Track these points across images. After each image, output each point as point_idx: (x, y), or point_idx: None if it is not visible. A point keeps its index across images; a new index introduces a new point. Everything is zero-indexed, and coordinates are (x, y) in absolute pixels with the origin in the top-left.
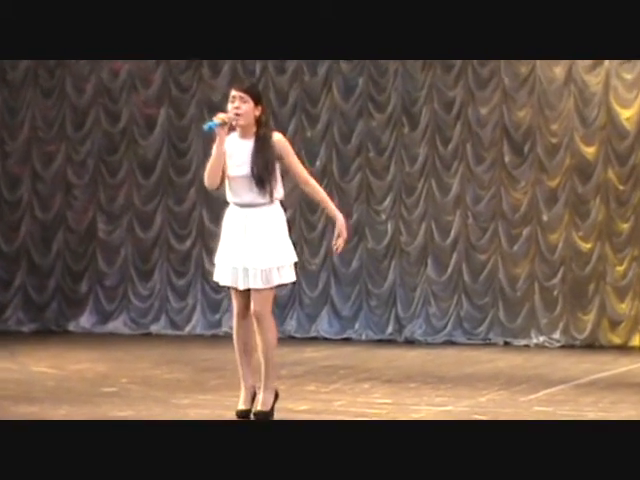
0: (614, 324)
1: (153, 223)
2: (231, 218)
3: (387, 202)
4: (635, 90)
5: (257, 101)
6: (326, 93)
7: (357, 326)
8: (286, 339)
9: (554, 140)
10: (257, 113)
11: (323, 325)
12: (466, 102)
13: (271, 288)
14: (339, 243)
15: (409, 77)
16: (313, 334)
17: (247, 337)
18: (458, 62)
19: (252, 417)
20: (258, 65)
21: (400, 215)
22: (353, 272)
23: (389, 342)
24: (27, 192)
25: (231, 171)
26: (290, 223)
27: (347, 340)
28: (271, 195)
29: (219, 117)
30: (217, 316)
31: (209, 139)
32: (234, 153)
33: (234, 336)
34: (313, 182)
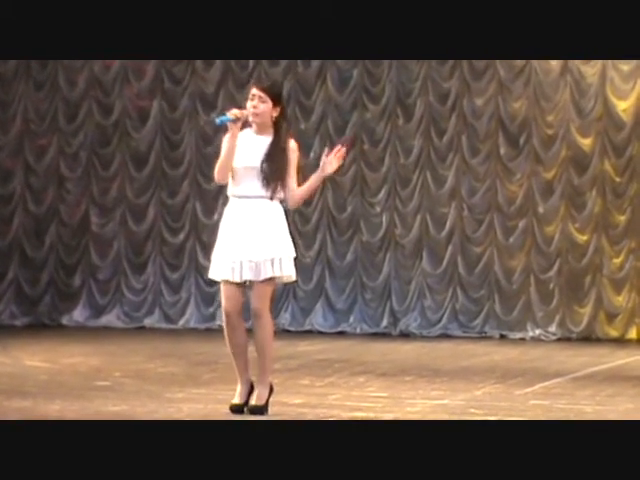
0: (611, 317)
1: (146, 216)
2: (231, 213)
3: (382, 194)
4: (631, 81)
5: (276, 102)
6: (320, 85)
7: (352, 319)
8: (280, 333)
9: (550, 132)
10: (275, 114)
11: (317, 318)
12: (461, 93)
13: (273, 283)
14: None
15: (404, 68)
16: (307, 327)
17: (242, 336)
18: None
19: (246, 411)
20: None
21: (395, 207)
22: (348, 265)
23: (384, 335)
24: (20, 185)
25: (239, 162)
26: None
27: (342, 333)
28: (273, 191)
29: (233, 113)
30: (211, 309)
31: (202, 132)
32: (247, 146)
33: (229, 336)
34: (299, 189)
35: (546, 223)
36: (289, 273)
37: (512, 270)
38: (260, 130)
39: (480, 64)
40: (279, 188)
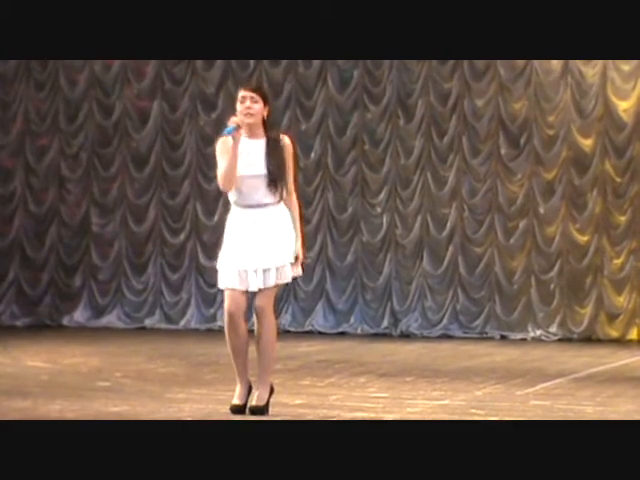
0: (611, 317)
1: (147, 216)
2: (237, 221)
3: (382, 195)
4: (632, 81)
5: (266, 101)
6: (321, 85)
7: (352, 320)
8: (281, 333)
9: (551, 132)
10: (265, 113)
11: (318, 319)
12: (462, 94)
13: (278, 285)
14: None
15: (404, 69)
16: (308, 328)
17: (243, 337)
18: None
19: (247, 412)
20: None
21: (395, 208)
22: (348, 266)
23: (384, 336)
24: (20, 185)
25: (241, 171)
26: None
27: (342, 334)
28: (280, 195)
29: (233, 121)
30: (212, 310)
31: (203, 133)
32: (243, 153)
33: (230, 336)
34: (294, 198)
35: (547, 224)
36: (297, 274)
37: (513, 271)
38: (252, 133)
39: (481, 65)
40: (284, 185)
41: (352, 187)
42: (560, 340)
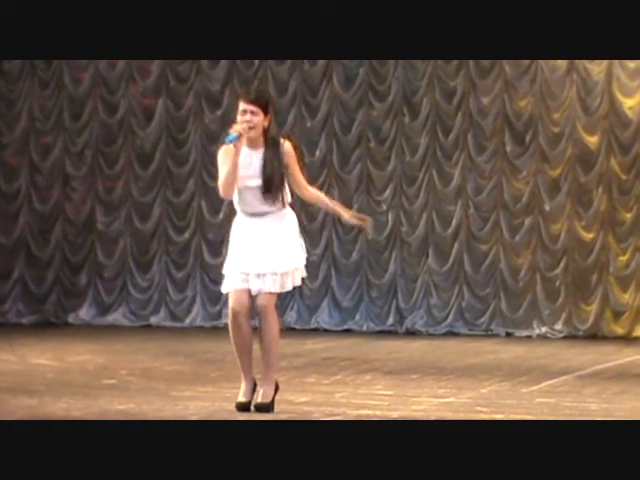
0: (617, 314)
1: (151, 214)
2: (242, 227)
3: (388, 192)
4: (638, 79)
5: (266, 111)
6: (326, 83)
7: (358, 317)
8: (286, 331)
9: (556, 129)
10: (266, 123)
11: (323, 316)
12: (467, 91)
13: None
14: (368, 226)
15: (410, 67)
16: (313, 325)
17: (248, 335)
18: None
19: (252, 409)
20: None
21: (401, 205)
22: (354, 263)
23: (390, 333)
24: (25, 183)
25: (242, 182)
26: None
27: (348, 331)
28: (283, 203)
29: (236, 129)
30: (217, 308)
31: (208, 131)
32: (244, 164)
33: (234, 334)
34: (311, 189)
35: (552, 221)
36: (297, 284)
37: (518, 268)
38: (253, 144)
39: (486, 62)
40: (284, 195)
41: (357, 185)
42: (565, 337)
